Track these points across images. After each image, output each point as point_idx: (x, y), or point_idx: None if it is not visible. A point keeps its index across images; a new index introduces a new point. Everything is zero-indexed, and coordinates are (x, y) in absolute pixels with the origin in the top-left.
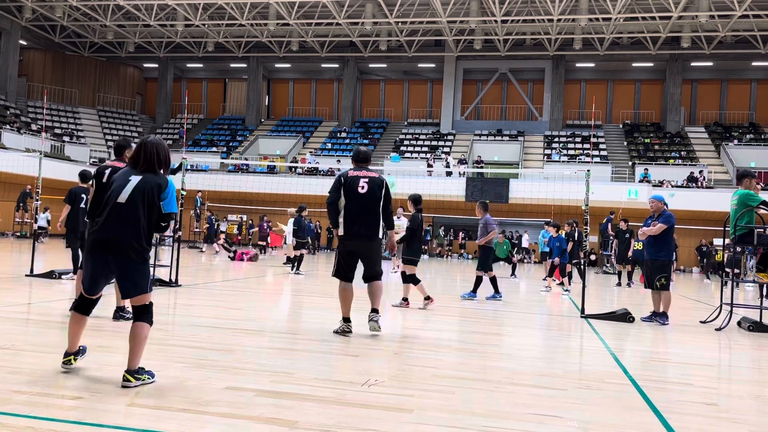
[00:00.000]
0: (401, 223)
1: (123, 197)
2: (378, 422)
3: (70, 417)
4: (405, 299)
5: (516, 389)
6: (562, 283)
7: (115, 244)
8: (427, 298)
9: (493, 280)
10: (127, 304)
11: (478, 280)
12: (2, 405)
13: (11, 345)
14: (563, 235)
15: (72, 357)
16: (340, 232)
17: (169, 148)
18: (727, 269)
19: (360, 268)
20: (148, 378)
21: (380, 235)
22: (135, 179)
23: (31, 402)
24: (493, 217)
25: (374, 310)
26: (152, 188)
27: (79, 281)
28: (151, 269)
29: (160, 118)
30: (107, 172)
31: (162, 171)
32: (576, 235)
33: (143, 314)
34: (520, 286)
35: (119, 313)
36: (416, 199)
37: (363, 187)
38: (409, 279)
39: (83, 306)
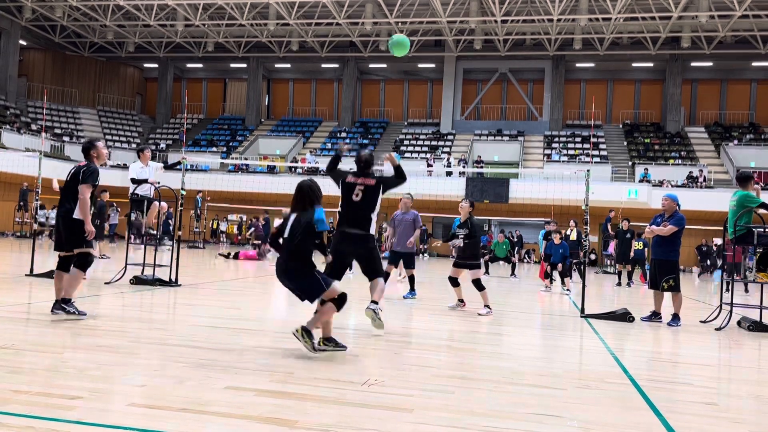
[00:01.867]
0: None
1: (287, 231)
2: (378, 422)
3: (70, 417)
4: (487, 306)
5: (516, 389)
6: (547, 285)
7: (287, 270)
8: (461, 300)
9: (411, 279)
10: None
11: (412, 279)
12: (2, 405)
13: (11, 345)
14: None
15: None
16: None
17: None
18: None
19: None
20: (333, 347)
21: (372, 232)
22: (292, 217)
23: (31, 402)
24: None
25: (374, 302)
26: (306, 222)
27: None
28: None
29: (160, 118)
30: (71, 171)
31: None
32: (575, 234)
33: (336, 302)
34: (520, 286)
35: (60, 305)
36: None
37: (357, 195)
38: (476, 284)
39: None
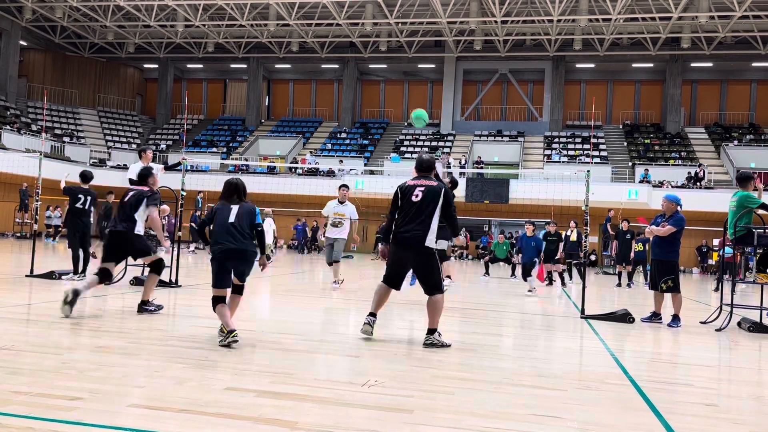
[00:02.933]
0: (345, 211)
1: (232, 218)
2: (378, 422)
3: (70, 417)
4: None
5: (516, 389)
6: (551, 283)
7: (234, 252)
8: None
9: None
10: (150, 297)
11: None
12: (2, 405)
13: (11, 345)
14: (540, 236)
15: (234, 332)
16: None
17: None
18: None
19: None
20: (232, 337)
21: (431, 245)
22: (235, 207)
23: (31, 402)
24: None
25: (430, 330)
26: (250, 211)
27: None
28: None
29: (160, 119)
30: (129, 194)
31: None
32: (575, 235)
33: (238, 291)
34: (521, 287)
35: (143, 307)
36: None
37: (417, 196)
38: None
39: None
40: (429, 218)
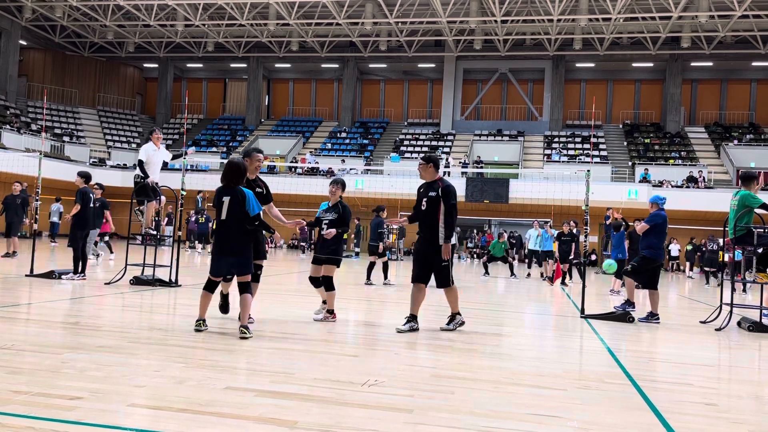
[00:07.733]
0: None
1: (222, 215)
2: (378, 422)
3: (70, 417)
4: (330, 311)
5: (516, 389)
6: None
7: (229, 246)
8: (331, 312)
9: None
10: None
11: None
12: (2, 405)
13: (11, 345)
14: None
15: (202, 322)
16: (454, 241)
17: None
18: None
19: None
20: (249, 331)
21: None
22: (227, 198)
23: (31, 402)
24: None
25: (458, 313)
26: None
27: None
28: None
29: (160, 118)
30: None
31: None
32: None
33: (245, 289)
34: (520, 287)
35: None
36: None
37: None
38: (326, 282)
39: (210, 286)
40: None
